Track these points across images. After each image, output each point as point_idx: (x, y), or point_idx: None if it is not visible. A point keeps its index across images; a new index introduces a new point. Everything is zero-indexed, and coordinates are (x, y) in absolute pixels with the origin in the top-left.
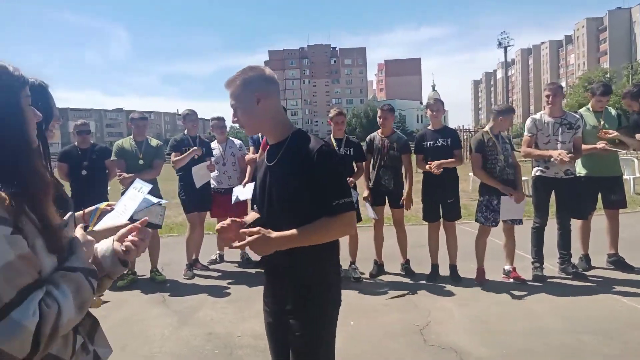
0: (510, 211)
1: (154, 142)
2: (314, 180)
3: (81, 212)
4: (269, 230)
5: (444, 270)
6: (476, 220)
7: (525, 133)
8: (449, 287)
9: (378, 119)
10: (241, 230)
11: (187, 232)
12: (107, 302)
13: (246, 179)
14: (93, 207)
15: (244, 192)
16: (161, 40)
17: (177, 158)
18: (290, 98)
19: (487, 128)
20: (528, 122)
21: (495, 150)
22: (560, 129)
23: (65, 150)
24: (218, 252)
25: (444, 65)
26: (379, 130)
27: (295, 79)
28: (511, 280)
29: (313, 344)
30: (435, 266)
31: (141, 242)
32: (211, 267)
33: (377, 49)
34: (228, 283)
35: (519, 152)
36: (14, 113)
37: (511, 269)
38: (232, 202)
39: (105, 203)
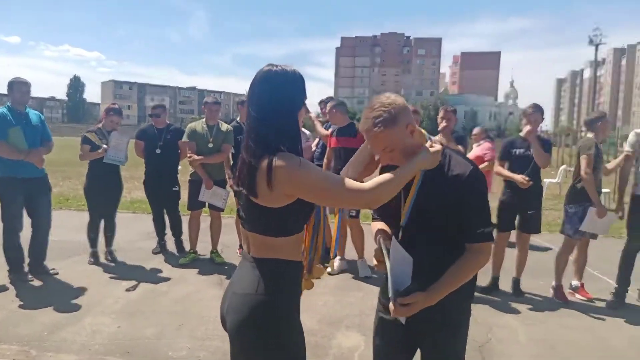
0: (597, 225)
1: (224, 126)
2: (463, 203)
3: None
4: (421, 293)
5: (503, 285)
6: (562, 232)
7: (627, 148)
8: (514, 304)
9: (439, 119)
10: (399, 301)
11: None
12: (170, 278)
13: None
14: None
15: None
16: (237, 22)
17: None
18: (358, 86)
19: (590, 136)
20: (631, 136)
21: (600, 159)
22: None
23: (143, 129)
24: None
25: (526, 61)
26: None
27: (365, 67)
28: (577, 296)
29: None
30: (495, 278)
31: None
32: None
33: (456, 39)
34: None
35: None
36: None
37: (579, 285)
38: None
39: None
